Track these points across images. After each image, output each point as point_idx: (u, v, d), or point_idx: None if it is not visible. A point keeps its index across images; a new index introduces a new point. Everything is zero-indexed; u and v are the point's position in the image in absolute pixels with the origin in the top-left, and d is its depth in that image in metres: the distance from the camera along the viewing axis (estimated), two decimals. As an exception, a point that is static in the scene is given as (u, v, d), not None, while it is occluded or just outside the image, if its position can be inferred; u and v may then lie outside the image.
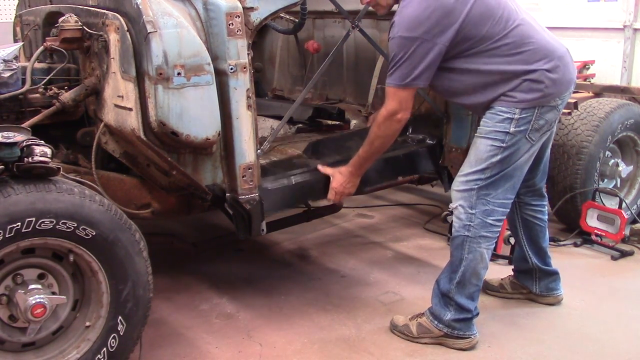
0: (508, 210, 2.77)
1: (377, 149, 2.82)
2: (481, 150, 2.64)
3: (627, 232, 3.82)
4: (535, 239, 3.06)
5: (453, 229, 2.74)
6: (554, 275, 3.11)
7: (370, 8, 2.88)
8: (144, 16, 2.34)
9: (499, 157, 2.61)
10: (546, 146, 2.89)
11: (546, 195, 3.07)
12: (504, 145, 2.60)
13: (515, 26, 2.57)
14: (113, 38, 2.47)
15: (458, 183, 2.71)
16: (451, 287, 2.72)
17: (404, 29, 2.52)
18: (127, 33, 2.40)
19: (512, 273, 3.24)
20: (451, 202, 2.75)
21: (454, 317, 2.73)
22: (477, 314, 2.79)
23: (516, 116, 2.58)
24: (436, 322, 2.76)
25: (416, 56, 2.51)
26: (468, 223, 2.67)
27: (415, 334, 2.80)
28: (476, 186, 2.65)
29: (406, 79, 2.55)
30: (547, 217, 3.08)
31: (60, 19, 2.62)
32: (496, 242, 3.48)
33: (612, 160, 4.03)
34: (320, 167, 3.02)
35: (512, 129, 2.59)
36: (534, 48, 2.58)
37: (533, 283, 3.12)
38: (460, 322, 2.73)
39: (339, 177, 2.94)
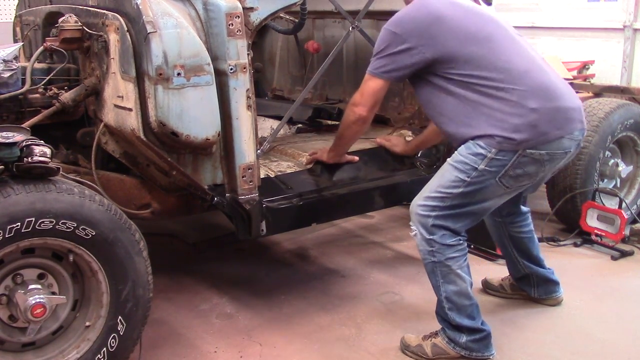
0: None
1: (342, 138, 2.89)
2: (445, 178, 2.52)
3: (627, 232, 3.81)
4: (525, 249, 3.02)
5: (420, 255, 2.62)
6: (551, 280, 3.09)
7: (371, 8, 2.87)
8: (143, 16, 2.34)
9: (460, 190, 2.48)
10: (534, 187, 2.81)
11: (528, 208, 3.00)
12: (468, 179, 2.47)
13: (510, 61, 2.45)
14: (113, 38, 2.47)
15: (416, 206, 2.57)
16: (450, 316, 2.60)
17: (391, 23, 2.56)
18: (127, 33, 2.40)
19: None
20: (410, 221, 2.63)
21: (470, 338, 2.61)
22: (490, 331, 2.65)
23: (490, 155, 2.43)
24: (453, 345, 2.63)
25: (393, 52, 2.52)
26: (430, 249, 2.54)
27: (430, 354, 2.66)
28: (434, 213, 2.51)
29: (377, 69, 2.58)
30: (532, 226, 3.02)
31: (60, 19, 2.62)
32: (495, 243, 3.48)
33: (612, 160, 4.03)
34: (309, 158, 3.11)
35: (481, 166, 2.44)
36: (528, 89, 2.42)
37: (531, 288, 3.09)
38: (478, 342, 2.62)
39: (323, 150, 3.08)
